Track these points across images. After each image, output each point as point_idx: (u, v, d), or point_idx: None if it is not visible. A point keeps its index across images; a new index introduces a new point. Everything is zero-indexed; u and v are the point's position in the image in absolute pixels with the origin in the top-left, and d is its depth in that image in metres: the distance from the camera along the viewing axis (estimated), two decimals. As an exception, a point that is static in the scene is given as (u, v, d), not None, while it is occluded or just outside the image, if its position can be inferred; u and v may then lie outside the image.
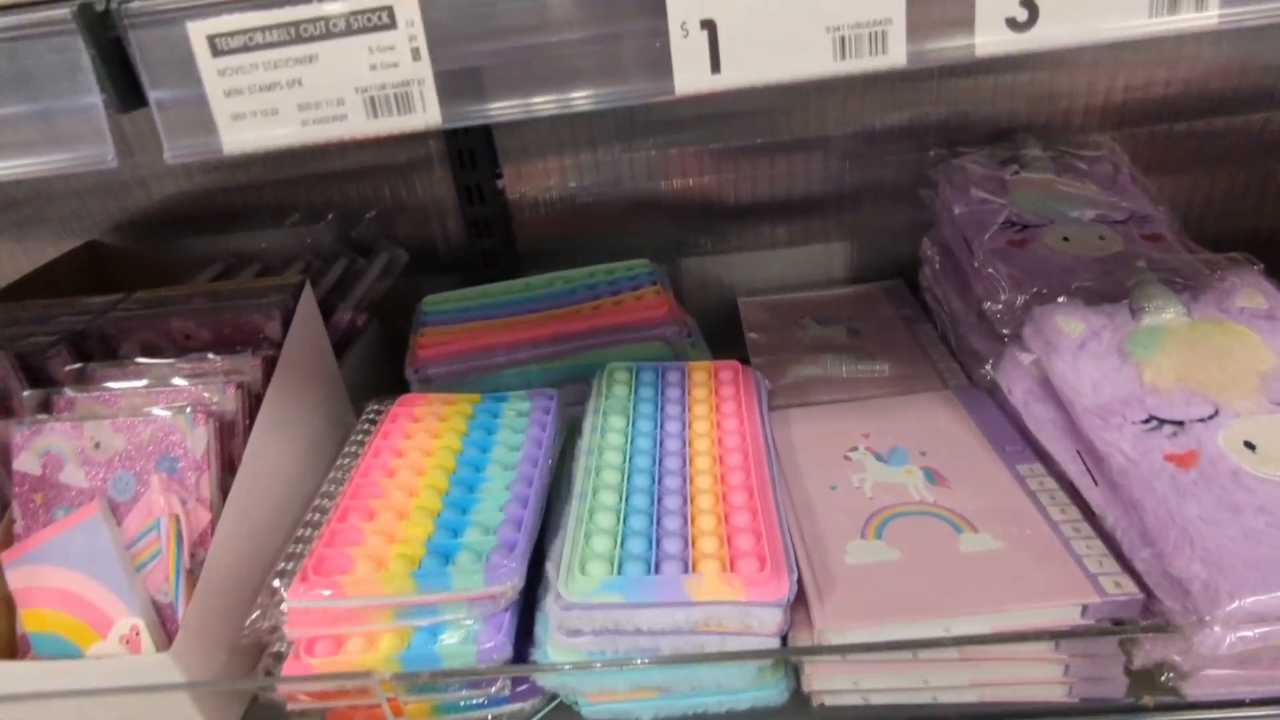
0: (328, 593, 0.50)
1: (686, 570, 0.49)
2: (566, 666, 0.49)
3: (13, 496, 0.60)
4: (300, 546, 0.55)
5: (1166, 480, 0.49)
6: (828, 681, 0.51)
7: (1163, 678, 0.50)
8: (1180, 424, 0.52)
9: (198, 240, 0.96)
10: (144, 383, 0.63)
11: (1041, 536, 0.52)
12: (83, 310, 0.73)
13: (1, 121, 0.32)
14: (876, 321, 0.85)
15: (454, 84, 0.31)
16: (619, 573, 0.49)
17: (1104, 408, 0.54)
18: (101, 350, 0.70)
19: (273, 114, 0.32)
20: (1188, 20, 0.28)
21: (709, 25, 0.29)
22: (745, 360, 0.84)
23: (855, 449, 0.63)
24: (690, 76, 0.30)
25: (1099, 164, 0.80)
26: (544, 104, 0.31)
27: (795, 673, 0.53)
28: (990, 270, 0.69)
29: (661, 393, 0.67)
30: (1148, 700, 0.50)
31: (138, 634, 0.56)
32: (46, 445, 0.59)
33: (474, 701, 0.53)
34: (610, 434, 0.62)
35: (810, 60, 0.30)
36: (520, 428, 0.64)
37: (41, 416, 0.60)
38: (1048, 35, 0.28)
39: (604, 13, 0.29)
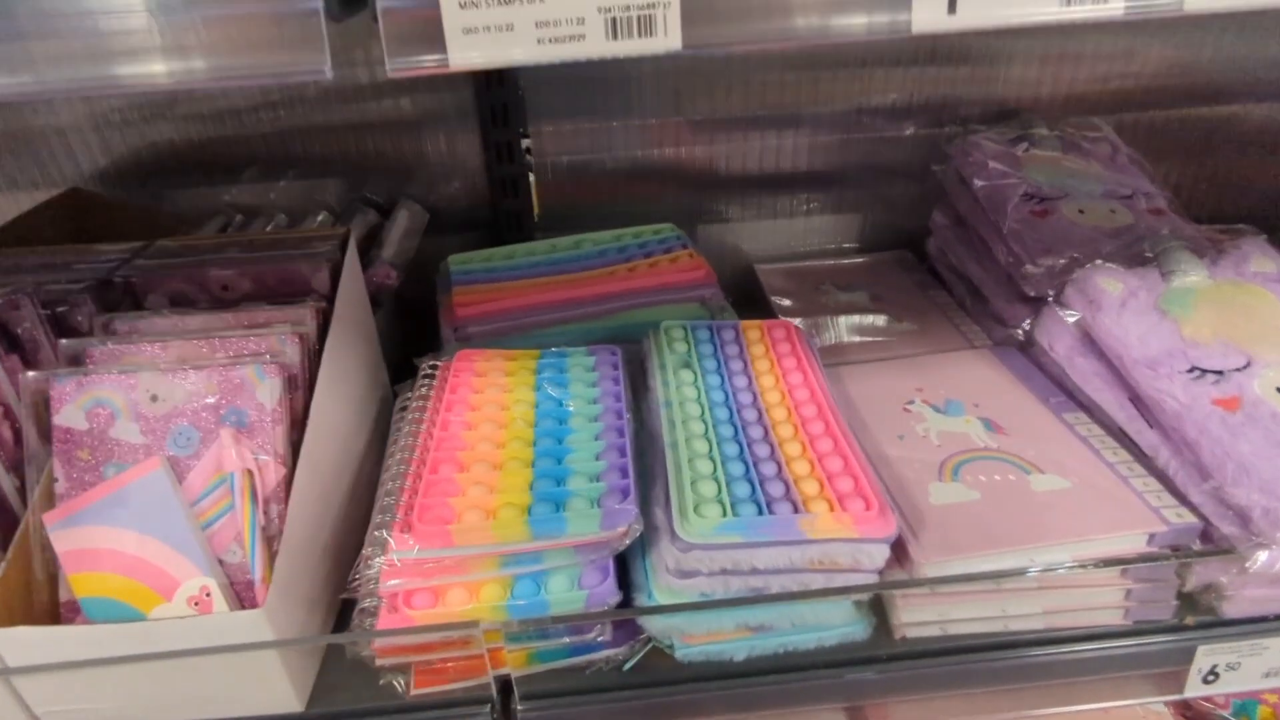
0: (438, 543, 0.49)
1: (797, 510, 0.51)
2: (689, 608, 0.50)
3: (53, 454, 0.55)
4: (390, 499, 0.54)
5: (1218, 422, 0.54)
6: (916, 614, 0.54)
7: (1207, 599, 0.55)
8: (1220, 373, 0.57)
9: (189, 193, 0.90)
10: (193, 332, 0.59)
11: (1102, 475, 0.57)
12: (100, 258, 0.67)
13: (214, 20, 0.29)
14: (894, 288, 0.88)
15: (698, 7, 0.31)
16: (734, 514, 0.50)
17: (1152, 360, 0.59)
18: (126, 301, 0.65)
19: (507, 30, 0.31)
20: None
21: (951, -34, 0.31)
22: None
23: (912, 402, 0.66)
24: (928, 15, 0.31)
25: (1099, 144, 0.86)
26: (784, 32, 0.31)
27: (875, 608, 0.56)
28: (1020, 238, 0.73)
29: (720, 349, 0.69)
30: (1189, 620, 0.56)
31: (208, 595, 0.53)
32: (95, 398, 0.55)
33: (574, 648, 0.53)
34: (683, 388, 0.63)
35: (1039, 7, 0.31)
36: (591, 381, 0.64)
37: (87, 369, 0.56)
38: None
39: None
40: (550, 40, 0.31)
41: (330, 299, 0.64)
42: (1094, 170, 0.82)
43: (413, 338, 0.85)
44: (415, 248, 0.84)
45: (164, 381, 0.55)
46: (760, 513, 0.51)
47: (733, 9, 0.31)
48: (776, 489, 0.53)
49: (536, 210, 0.94)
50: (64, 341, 0.57)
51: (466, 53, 0.31)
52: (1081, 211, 0.77)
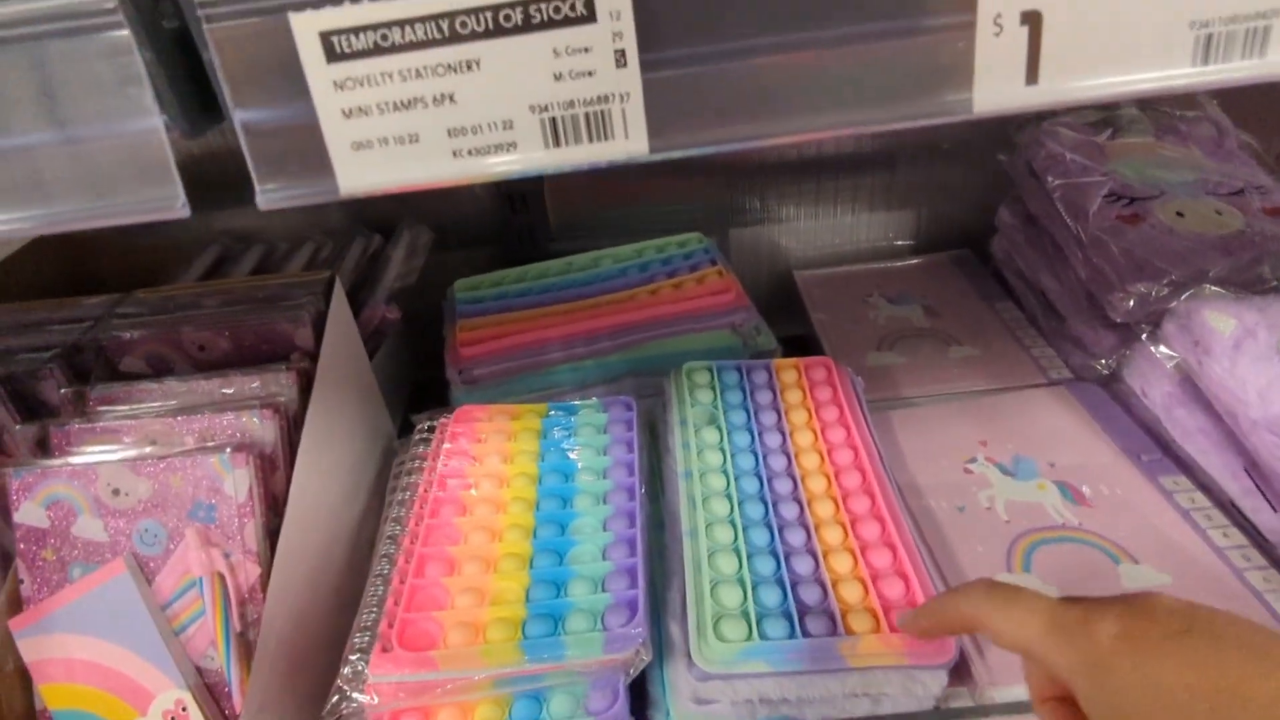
0: (421, 669, 0.43)
1: (836, 626, 0.43)
2: (702, 740, 0.43)
3: (15, 553, 0.51)
4: (372, 613, 0.48)
5: (1362, 508, 0.44)
6: (980, 733, 0.47)
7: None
8: (1364, 440, 0.47)
9: (181, 219, 0.84)
10: (163, 407, 0.54)
11: (1209, 567, 0.48)
12: (72, 316, 0.62)
13: (25, 153, 0.22)
14: (953, 298, 0.78)
15: (669, 100, 0.22)
16: (760, 635, 0.43)
17: (1274, 421, 0.48)
18: (100, 365, 0.60)
19: (411, 141, 0.23)
20: None
21: (1032, 19, 0.21)
22: (808, 341, 0.78)
23: (974, 460, 0.57)
24: (996, 88, 0.22)
25: (1199, 126, 0.73)
26: (788, 130, 0.23)
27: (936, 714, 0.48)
28: (1105, 251, 0.62)
29: (750, 397, 0.60)
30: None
31: (184, 709, 0.49)
32: (53, 493, 0.50)
33: (583, 770, 0.47)
34: (706, 453, 0.55)
35: (1160, 64, 0.22)
36: (602, 446, 0.56)
37: (43, 462, 0.51)
38: None
39: (888, 5, 0.21)
40: (470, 152, 0.23)
41: (315, 354, 0.58)
42: (1194, 160, 0.70)
43: (424, 363, 0.79)
44: (420, 270, 0.77)
45: (126, 475, 0.50)
46: (792, 632, 0.43)
47: (717, 101, 0.22)
48: (812, 594, 0.45)
49: (552, 220, 0.85)
50: (20, 427, 0.52)
51: (361, 174, 0.23)
52: (1180, 214, 0.65)
